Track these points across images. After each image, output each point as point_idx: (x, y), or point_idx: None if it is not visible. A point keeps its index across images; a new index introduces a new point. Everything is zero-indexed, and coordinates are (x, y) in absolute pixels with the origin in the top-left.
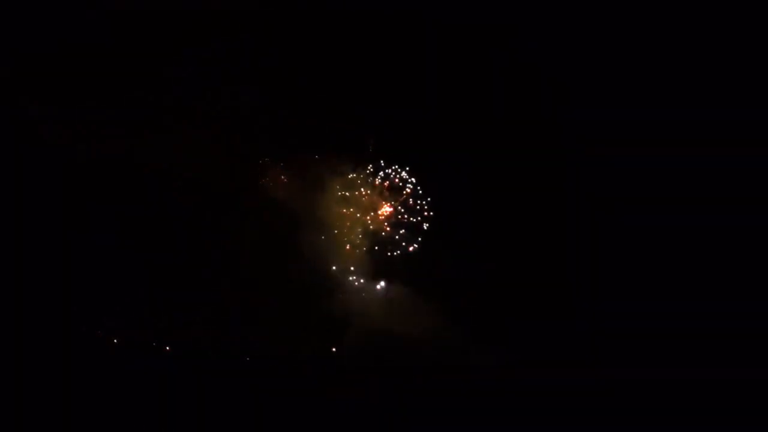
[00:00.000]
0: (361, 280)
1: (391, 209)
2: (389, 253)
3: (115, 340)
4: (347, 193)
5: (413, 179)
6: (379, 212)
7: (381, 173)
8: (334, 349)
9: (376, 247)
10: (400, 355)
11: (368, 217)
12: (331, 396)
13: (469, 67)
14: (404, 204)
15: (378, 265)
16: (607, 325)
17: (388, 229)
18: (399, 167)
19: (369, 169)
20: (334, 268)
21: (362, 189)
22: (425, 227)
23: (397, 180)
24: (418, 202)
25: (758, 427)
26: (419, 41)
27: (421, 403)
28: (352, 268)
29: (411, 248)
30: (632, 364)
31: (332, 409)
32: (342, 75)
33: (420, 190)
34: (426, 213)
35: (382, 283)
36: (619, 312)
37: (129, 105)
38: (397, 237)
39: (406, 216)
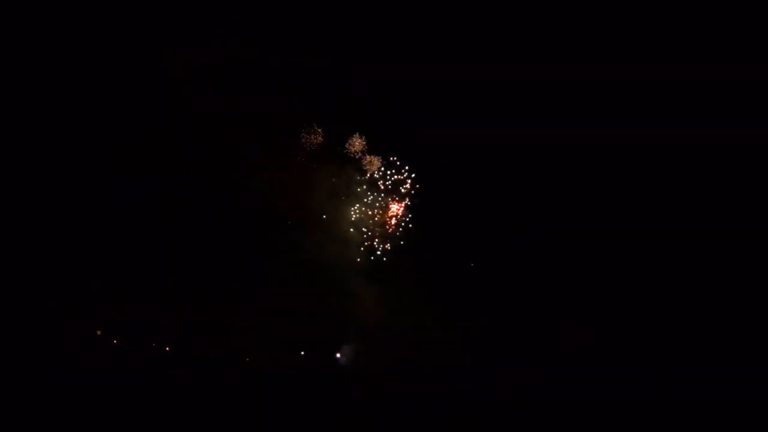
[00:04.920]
0: (360, 280)
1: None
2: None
3: (115, 341)
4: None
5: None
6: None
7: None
8: (332, 349)
9: (373, 245)
10: (399, 355)
11: (362, 213)
12: (329, 396)
13: None
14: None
15: (376, 263)
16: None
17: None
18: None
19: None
20: (331, 268)
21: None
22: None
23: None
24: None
25: None
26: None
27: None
28: (350, 268)
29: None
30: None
31: (330, 408)
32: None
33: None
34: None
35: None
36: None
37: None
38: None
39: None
